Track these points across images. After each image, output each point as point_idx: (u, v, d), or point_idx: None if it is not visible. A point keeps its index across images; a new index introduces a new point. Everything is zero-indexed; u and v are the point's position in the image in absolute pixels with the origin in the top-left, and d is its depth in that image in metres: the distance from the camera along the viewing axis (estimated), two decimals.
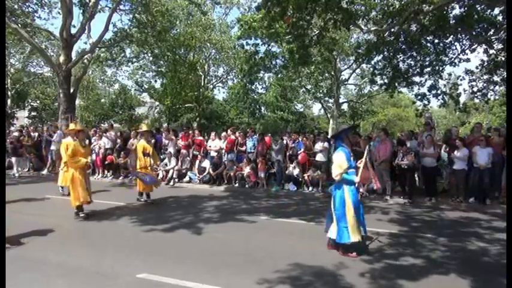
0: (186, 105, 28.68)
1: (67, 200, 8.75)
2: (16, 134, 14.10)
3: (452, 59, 13.86)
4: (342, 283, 4.25)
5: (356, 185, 5.13)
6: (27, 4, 16.73)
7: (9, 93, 28.52)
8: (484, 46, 13.23)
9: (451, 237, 6.15)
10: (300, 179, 10.98)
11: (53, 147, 13.39)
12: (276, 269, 4.56)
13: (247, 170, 11.31)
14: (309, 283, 4.24)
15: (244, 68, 20.84)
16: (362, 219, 5.25)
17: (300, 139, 11.86)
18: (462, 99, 16.05)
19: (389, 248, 5.56)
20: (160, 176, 12.01)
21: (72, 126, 9.63)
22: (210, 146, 12.69)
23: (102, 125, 28.60)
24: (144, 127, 9.44)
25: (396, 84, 14.06)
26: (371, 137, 11.58)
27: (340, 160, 5.01)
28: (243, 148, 12.15)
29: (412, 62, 13.74)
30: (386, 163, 9.76)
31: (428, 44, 13.35)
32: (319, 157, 10.97)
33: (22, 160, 13.76)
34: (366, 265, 4.80)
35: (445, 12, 11.81)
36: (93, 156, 12.76)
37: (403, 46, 13.03)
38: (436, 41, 13.15)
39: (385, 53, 13.35)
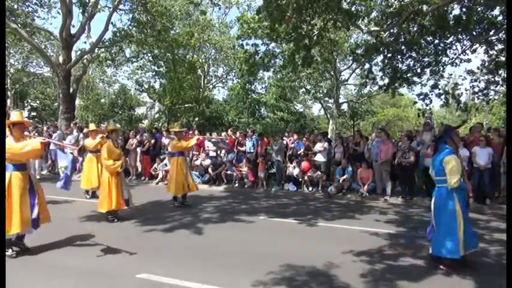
0: (185, 105, 28.68)
1: (64, 200, 8.78)
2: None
3: (453, 59, 13.86)
4: (341, 283, 4.25)
5: (470, 193, 4.62)
6: (27, 4, 16.73)
7: (9, 93, 28.49)
8: (484, 47, 13.23)
9: None
10: (300, 179, 10.98)
11: (52, 147, 13.37)
12: (276, 269, 4.56)
13: (245, 170, 11.33)
14: (308, 283, 4.24)
15: (243, 68, 20.84)
16: (472, 232, 4.72)
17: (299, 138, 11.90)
18: (463, 99, 16.04)
19: (388, 248, 5.57)
20: (160, 176, 12.02)
21: (92, 126, 9.73)
22: (208, 147, 12.68)
23: (102, 125, 28.60)
24: (176, 127, 9.12)
25: (396, 85, 14.04)
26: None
27: (457, 164, 4.52)
28: (243, 148, 12.16)
29: (411, 63, 13.73)
30: (387, 163, 9.77)
31: (429, 45, 13.34)
32: (319, 157, 10.97)
33: (41, 161, 13.66)
34: (365, 265, 4.80)
35: (445, 12, 11.81)
36: None
37: (403, 47, 13.01)
38: (436, 41, 13.15)
39: (385, 53, 13.33)
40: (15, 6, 15.98)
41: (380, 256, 5.19)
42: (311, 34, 11.59)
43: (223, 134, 13.53)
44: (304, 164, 10.99)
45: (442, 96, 14.26)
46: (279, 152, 11.31)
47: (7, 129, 4.91)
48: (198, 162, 12.46)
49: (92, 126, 9.63)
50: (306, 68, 15.23)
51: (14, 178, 4.83)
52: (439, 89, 14.03)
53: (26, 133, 5.26)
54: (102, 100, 34.29)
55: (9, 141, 4.84)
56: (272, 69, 20.69)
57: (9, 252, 4.89)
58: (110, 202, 6.81)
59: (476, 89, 14.95)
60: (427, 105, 14.37)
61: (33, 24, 17.29)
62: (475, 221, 7.42)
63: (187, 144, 8.60)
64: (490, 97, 15.52)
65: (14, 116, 5.11)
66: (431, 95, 14.12)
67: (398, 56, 13.42)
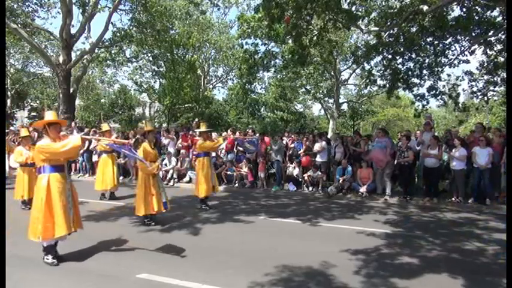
0: (185, 105, 28.71)
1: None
2: None
3: (452, 60, 13.88)
4: (340, 283, 4.26)
5: None
6: (27, 4, 16.75)
7: (9, 93, 28.51)
8: (483, 47, 13.27)
9: (449, 238, 6.16)
10: (300, 179, 10.99)
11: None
12: (276, 270, 4.57)
13: (244, 170, 11.35)
14: (307, 283, 4.25)
15: (243, 68, 20.84)
16: None
17: (299, 138, 11.90)
18: (461, 99, 16.09)
19: (386, 247, 5.58)
20: (160, 176, 12.01)
21: (105, 127, 9.57)
22: None
23: (101, 125, 28.55)
24: (203, 127, 8.62)
25: (395, 85, 14.06)
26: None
27: None
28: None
29: (411, 64, 13.75)
30: (388, 165, 9.77)
31: (428, 46, 13.36)
32: (319, 157, 10.98)
33: None
34: (364, 265, 4.81)
35: (444, 13, 11.83)
36: (96, 157, 12.79)
37: (402, 48, 13.03)
38: (436, 42, 13.17)
39: (385, 54, 13.35)
40: (15, 6, 15.98)
41: (376, 255, 5.21)
42: (311, 33, 11.62)
43: (224, 133, 13.51)
44: (304, 159, 11.01)
45: (439, 97, 14.30)
46: (279, 152, 11.31)
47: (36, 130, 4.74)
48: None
49: (106, 127, 9.59)
50: (301, 66, 15.26)
51: (52, 180, 4.62)
52: (436, 90, 14.06)
53: (62, 133, 5.08)
54: (102, 100, 34.28)
55: (47, 142, 4.64)
56: (273, 69, 20.68)
57: (49, 259, 4.71)
58: (148, 206, 6.51)
59: (474, 89, 15.02)
60: (423, 106, 14.38)
61: (33, 24, 17.30)
62: (474, 221, 7.45)
63: (214, 144, 8.31)
64: (489, 97, 15.55)
65: (49, 115, 4.87)
66: (429, 95, 14.16)
67: (398, 57, 13.44)
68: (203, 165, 8.18)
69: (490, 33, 12.36)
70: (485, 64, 13.91)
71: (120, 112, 33.38)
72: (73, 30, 15.97)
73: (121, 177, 12.64)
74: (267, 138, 12.30)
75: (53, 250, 4.80)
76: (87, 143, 12.45)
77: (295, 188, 10.87)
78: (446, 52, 13.61)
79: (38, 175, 4.74)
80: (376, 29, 12.40)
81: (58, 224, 4.58)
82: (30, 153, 8.08)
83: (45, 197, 4.57)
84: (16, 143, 12.60)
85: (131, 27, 17.66)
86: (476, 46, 13.41)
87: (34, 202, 4.71)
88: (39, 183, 4.66)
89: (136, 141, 6.30)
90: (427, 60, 13.60)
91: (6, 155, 10.64)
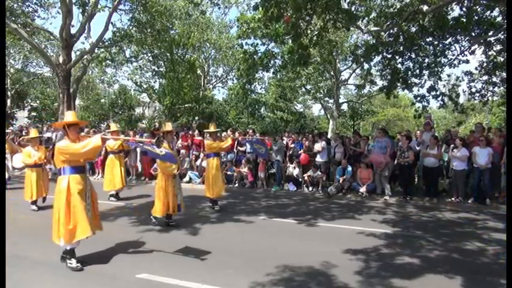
0: (185, 105, 28.70)
1: None
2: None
3: (451, 60, 13.87)
4: (341, 283, 4.26)
5: None
6: (27, 4, 16.73)
7: (9, 93, 28.49)
8: (482, 47, 13.26)
9: (449, 238, 6.16)
10: (300, 179, 10.99)
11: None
12: (276, 270, 4.57)
13: (244, 170, 11.35)
14: (307, 283, 4.25)
15: (242, 68, 20.80)
16: None
17: (299, 139, 11.89)
18: (461, 100, 16.06)
19: (386, 247, 5.58)
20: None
21: (114, 127, 9.49)
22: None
23: (102, 125, 28.62)
24: (211, 127, 8.46)
25: (395, 85, 14.04)
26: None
27: None
28: (243, 148, 12.15)
29: (410, 64, 13.73)
30: (387, 167, 9.77)
31: (428, 46, 13.35)
32: (319, 157, 10.98)
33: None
34: (364, 265, 4.81)
35: (444, 13, 11.83)
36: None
37: (402, 48, 13.02)
38: (436, 42, 13.17)
39: (384, 53, 13.34)
40: (15, 6, 15.96)
41: (376, 255, 5.21)
42: (310, 33, 11.60)
43: (224, 134, 13.51)
44: (302, 157, 10.99)
45: (439, 98, 14.28)
46: (279, 152, 11.31)
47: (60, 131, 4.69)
48: (198, 163, 12.47)
49: (114, 127, 9.56)
50: (302, 67, 15.21)
51: (72, 182, 4.57)
52: (436, 91, 14.03)
53: (82, 134, 5.00)
54: (102, 100, 34.25)
55: (66, 143, 4.60)
56: (272, 70, 20.66)
57: (73, 263, 4.59)
58: (165, 207, 6.50)
59: (473, 90, 15.01)
60: (424, 107, 14.37)
61: (33, 24, 17.27)
62: (474, 221, 7.45)
63: (223, 144, 8.33)
64: (488, 98, 15.54)
65: (69, 116, 4.84)
66: (429, 96, 14.14)
67: (398, 57, 13.42)
68: (212, 166, 8.14)
69: (490, 33, 12.36)
70: (485, 64, 13.90)
71: (120, 112, 33.35)
72: (73, 30, 15.95)
73: None
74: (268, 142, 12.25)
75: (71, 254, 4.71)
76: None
77: (295, 188, 10.87)
78: (446, 52, 13.59)
79: (58, 176, 4.70)
80: (376, 28, 12.40)
81: (80, 226, 4.53)
82: (38, 153, 8.09)
83: (66, 198, 4.53)
84: (16, 142, 12.62)
85: (131, 27, 17.64)
86: (476, 46, 13.40)
87: (55, 204, 4.67)
88: (59, 185, 4.61)
89: (157, 140, 6.26)
90: (426, 60, 13.58)
91: (8, 155, 10.65)
